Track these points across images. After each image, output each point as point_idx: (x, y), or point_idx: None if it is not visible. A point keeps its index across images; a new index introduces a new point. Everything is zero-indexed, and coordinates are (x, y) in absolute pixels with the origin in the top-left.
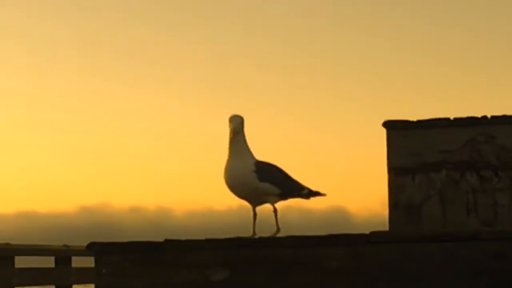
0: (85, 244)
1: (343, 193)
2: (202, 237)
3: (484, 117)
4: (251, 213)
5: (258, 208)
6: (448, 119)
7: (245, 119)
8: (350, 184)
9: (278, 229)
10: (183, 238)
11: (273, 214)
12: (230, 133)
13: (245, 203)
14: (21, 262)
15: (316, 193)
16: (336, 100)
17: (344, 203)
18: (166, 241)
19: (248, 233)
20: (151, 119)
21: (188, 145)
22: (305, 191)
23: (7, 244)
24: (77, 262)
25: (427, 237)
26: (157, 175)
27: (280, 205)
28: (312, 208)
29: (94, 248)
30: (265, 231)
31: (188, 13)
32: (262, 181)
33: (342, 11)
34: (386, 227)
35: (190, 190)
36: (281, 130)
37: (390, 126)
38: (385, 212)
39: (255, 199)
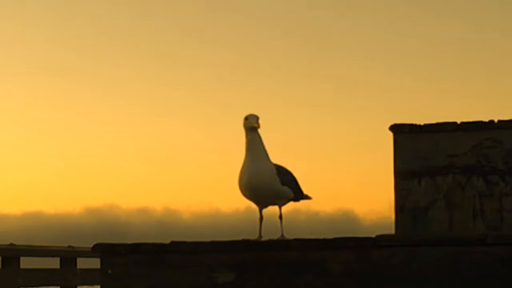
0: (91, 245)
1: (350, 196)
2: (209, 239)
3: (491, 121)
4: (258, 215)
5: (270, 210)
6: (455, 123)
7: None
8: (357, 188)
9: (283, 237)
10: (190, 240)
11: (278, 220)
12: (249, 130)
13: (253, 205)
14: (26, 263)
15: (306, 197)
16: (343, 104)
17: (351, 206)
18: (172, 243)
19: (255, 236)
20: (159, 121)
21: (195, 147)
22: (304, 196)
23: (11, 244)
24: (82, 263)
25: (433, 241)
26: (165, 177)
27: (287, 207)
28: (320, 211)
29: (100, 249)
30: (270, 234)
31: (198, 13)
32: (284, 184)
33: (351, 14)
34: (392, 231)
35: (197, 192)
36: (288, 134)
37: (397, 130)
38: (392, 215)
39: (269, 202)
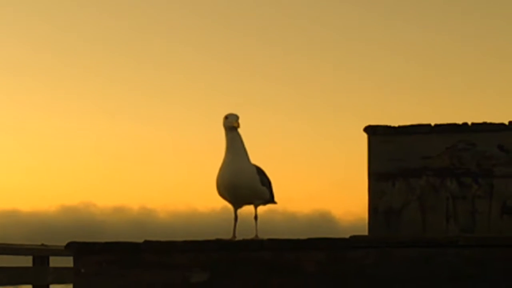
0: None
1: (327, 198)
2: (186, 238)
3: (465, 124)
4: (239, 215)
5: (246, 210)
6: (429, 125)
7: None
8: (334, 189)
9: (257, 237)
10: (166, 239)
11: (253, 220)
12: (229, 129)
13: (229, 205)
14: None
15: (273, 201)
16: (319, 106)
17: (328, 208)
18: (146, 242)
19: (230, 236)
20: (136, 121)
21: (172, 147)
22: (273, 200)
23: None
24: (56, 261)
25: (406, 242)
26: (142, 176)
27: (264, 208)
28: (296, 212)
29: (73, 248)
30: (245, 234)
31: (184, 14)
32: (263, 185)
33: (325, 19)
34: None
35: (174, 192)
36: (265, 136)
37: (371, 131)
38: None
39: (246, 202)
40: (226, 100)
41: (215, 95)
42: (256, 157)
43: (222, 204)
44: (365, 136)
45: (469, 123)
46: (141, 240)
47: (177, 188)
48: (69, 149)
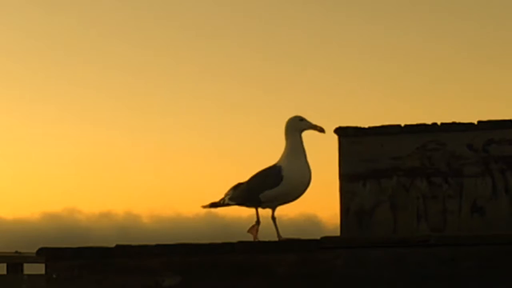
0: None
1: (313, 200)
2: (171, 243)
3: (434, 124)
4: (223, 220)
5: (230, 214)
6: (399, 126)
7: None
8: (320, 191)
9: (279, 236)
10: (152, 243)
11: (271, 221)
12: (299, 131)
13: (213, 210)
14: None
15: None
16: (288, 107)
17: (314, 211)
18: (117, 246)
19: (215, 240)
20: (121, 125)
21: (157, 151)
22: None
23: None
24: (31, 269)
25: (377, 242)
26: (127, 181)
27: (251, 212)
28: (282, 215)
29: (44, 254)
30: (236, 237)
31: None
32: None
33: (294, 18)
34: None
35: (159, 196)
36: (241, 139)
37: (341, 132)
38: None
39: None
40: (206, 105)
41: (199, 101)
42: (238, 159)
43: (206, 209)
44: (335, 137)
45: (439, 123)
46: None
47: (162, 193)
48: (51, 155)
